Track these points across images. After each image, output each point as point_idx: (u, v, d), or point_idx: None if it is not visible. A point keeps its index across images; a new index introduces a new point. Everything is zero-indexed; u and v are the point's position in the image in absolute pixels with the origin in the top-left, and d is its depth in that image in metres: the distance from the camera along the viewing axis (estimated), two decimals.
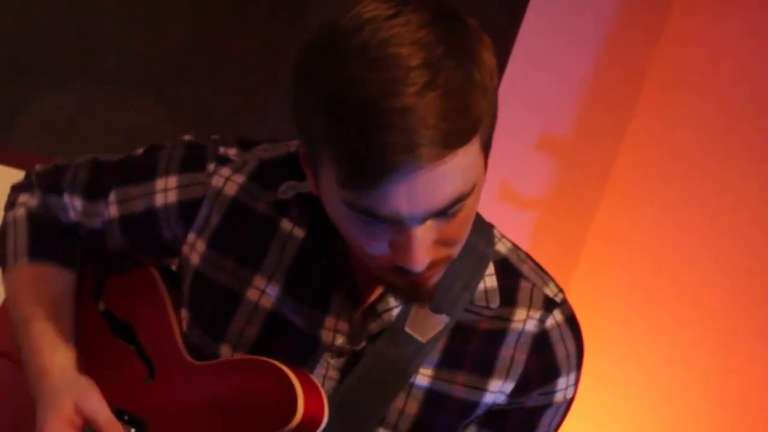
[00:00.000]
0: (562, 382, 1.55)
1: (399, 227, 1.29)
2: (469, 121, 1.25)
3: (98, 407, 1.53)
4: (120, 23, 2.61)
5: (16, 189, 1.76)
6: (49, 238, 1.68)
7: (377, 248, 1.33)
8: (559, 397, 1.56)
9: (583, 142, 3.13)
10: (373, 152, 1.21)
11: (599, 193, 3.15)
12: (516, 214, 2.69)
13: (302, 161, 1.40)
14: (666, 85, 3.09)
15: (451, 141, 1.23)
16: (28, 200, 1.72)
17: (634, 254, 3.04)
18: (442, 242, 1.33)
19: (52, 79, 2.46)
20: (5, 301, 1.77)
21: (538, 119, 3.02)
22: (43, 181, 1.71)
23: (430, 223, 1.29)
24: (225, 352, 1.54)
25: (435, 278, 1.40)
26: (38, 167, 1.74)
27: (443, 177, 1.24)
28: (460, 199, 1.28)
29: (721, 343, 2.80)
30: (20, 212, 1.70)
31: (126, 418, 1.57)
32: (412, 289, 1.40)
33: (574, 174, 3.14)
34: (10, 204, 1.74)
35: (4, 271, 1.70)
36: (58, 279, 1.66)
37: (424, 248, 1.31)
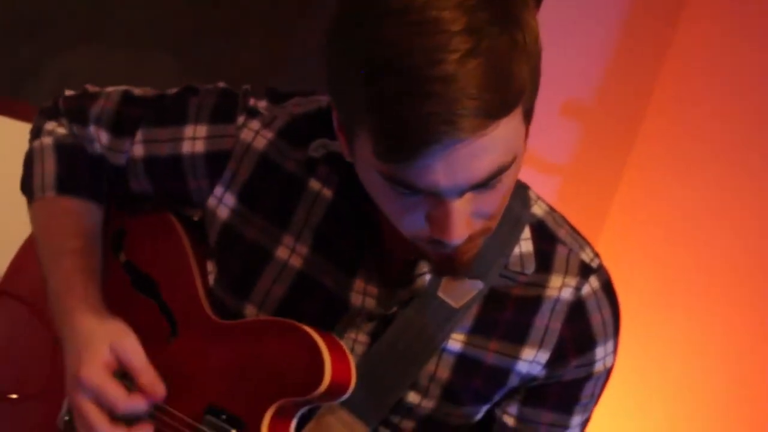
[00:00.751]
0: (599, 352, 1.51)
1: (436, 200, 1.24)
2: (511, 91, 1.19)
3: (134, 351, 1.48)
4: None
5: (43, 114, 1.69)
6: (77, 171, 1.62)
7: (413, 221, 1.29)
8: (598, 367, 1.52)
9: (607, 107, 3.09)
10: (412, 123, 1.16)
11: (623, 160, 3.11)
12: (539, 179, 2.67)
13: (336, 126, 1.34)
14: (690, 53, 3.05)
15: (493, 112, 1.18)
16: (55, 128, 1.66)
17: (658, 221, 3.01)
18: (481, 214, 1.29)
19: (68, 37, 2.42)
20: (26, 242, 1.74)
21: (563, 85, 2.98)
22: (71, 109, 1.65)
23: (468, 195, 1.24)
24: (250, 311, 1.51)
25: (472, 251, 1.35)
26: (67, 92, 1.68)
27: (484, 149, 1.19)
28: (501, 171, 1.24)
29: (743, 312, 2.77)
30: (47, 141, 1.64)
31: None
32: (448, 262, 1.36)
33: (598, 140, 3.11)
34: (36, 131, 1.68)
35: (30, 201, 1.64)
36: (87, 214, 1.61)
37: (462, 221, 1.26)
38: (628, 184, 3.11)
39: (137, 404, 1.47)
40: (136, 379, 1.48)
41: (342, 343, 1.46)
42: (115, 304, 1.60)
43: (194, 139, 1.55)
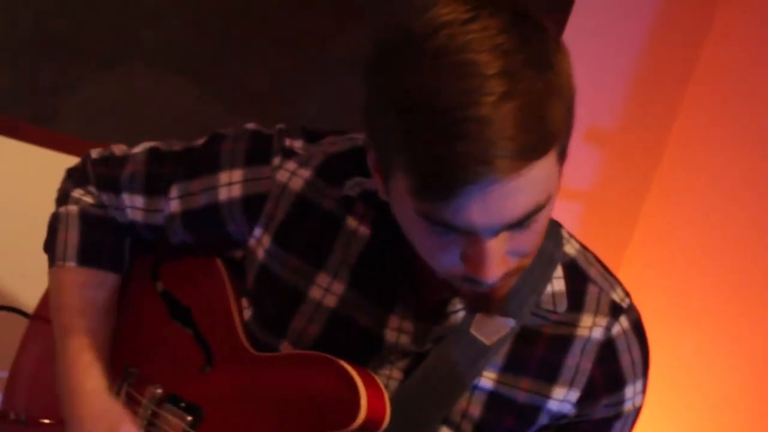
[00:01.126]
0: (629, 391, 1.52)
1: (472, 238, 1.26)
2: (546, 133, 1.21)
3: None
4: (158, 3, 2.58)
5: (71, 178, 1.71)
6: (101, 243, 1.64)
7: (448, 259, 1.30)
8: (627, 406, 1.53)
9: (629, 134, 3.10)
10: (449, 163, 1.18)
11: (646, 186, 3.12)
12: (562, 205, 2.67)
13: (372, 165, 1.36)
14: (713, 78, 3.06)
15: (529, 153, 1.19)
16: (82, 197, 1.68)
17: (681, 248, 3.01)
18: (515, 253, 1.30)
19: (91, 61, 2.43)
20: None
21: (585, 111, 2.99)
22: (100, 177, 1.67)
23: (503, 234, 1.26)
24: (285, 348, 1.52)
25: (506, 289, 1.37)
26: (94, 154, 1.70)
27: (519, 189, 1.21)
28: (536, 210, 1.25)
29: None
30: (73, 210, 1.66)
31: (182, 405, 1.55)
32: (482, 300, 1.38)
33: (620, 165, 3.11)
34: (64, 196, 1.69)
35: (50, 264, 1.67)
36: (102, 286, 1.64)
37: (497, 260, 1.27)
38: (650, 211, 3.11)
39: None
40: None
41: (378, 380, 1.47)
42: (149, 334, 1.63)
43: (230, 184, 1.56)
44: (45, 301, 1.79)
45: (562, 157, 1.28)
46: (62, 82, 2.38)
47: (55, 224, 1.68)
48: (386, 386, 1.48)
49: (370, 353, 1.50)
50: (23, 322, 1.82)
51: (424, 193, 1.22)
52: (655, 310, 2.86)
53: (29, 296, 1.82)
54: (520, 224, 1.25)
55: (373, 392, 1.44)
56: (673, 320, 2.94)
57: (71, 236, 1.64)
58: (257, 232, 1.54)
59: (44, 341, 1.76)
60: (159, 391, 1.58)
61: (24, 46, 2.32)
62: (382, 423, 1.44)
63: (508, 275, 1.33)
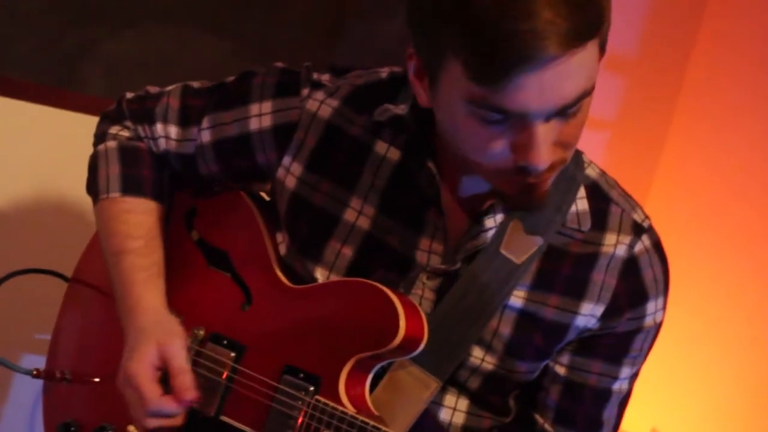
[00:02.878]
0: (650, 307, 1.55)
1: (522, 126, 1.31)
2: (597, 17, 1.28)
3: (176, 354, 1.55)
4: None
5: (106, 118, 1.75)
6: (141, 172, 1.68)
7: (498, 152, 1.34)
8: (648, 321, 1.56)
9: (650, 60, 3.08)
10: (506, 43, 1.24)
11: (670, 111, 3.11)
12: (587, 136, 2.67)
13: (414, 73, 1.41)
14: (731, 2, 3.04)
15: (581, 35, 1.26)
16: (119, 132, 1.72)
17: (708, 172, 3.01)
18: (560, 144, 1.35)
19: (111, 22, 2.44)
20: (96, 232, 1.79)
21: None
22: (135, 111, 1.72)
23: (552, 122, 1.31)
24: (321, 273, 1.56)
25: (549, 183, 1.41)
26: (129, 94, 1.75)
27: (570, 71, 1.27)
28: (585, 94, 1.31)
29: None
30: (111, 145, 1.70)
31: (225, 342, 1.59)
32: (526, 195, 1.41)
33: (643, 93, 3.10)
34: (101, 135, 1.74)
35: (95, 202, 1.71)
36: (148, 213, 1.67)
37: (548, 145, 1.32)
38: (675, 136, 3.11)
39: (167, 406, 1.53)
40: (171, 379, 1.54)
41: (413, 300, 1.51)
42: (191, 281, 1.66)
43: (260, 115, 1.61)
44: (83, 263, 1.84)
45: (602, 49, 1.33)
46: (83, 45, 2.39)
47: (95, 162, 1.72)
48: (420, 305, 1.52)
49: (402, 274, 1.54)
50: (62, 286, 1.86)
51: (480, 74, 1.28)
52: (684, 238, 2.88)
53: (67, 260, 1.85)
54: (571, 107, 1.30)
55: (411, 312, 1.47)
56: (702, 248, 2.94)
57: (112, 169, 1.68)
58: (286, 161, 1.59)
59: (84, 303, 1.82)
60: (201, 332, 1.62)
61: (43, 12, 2.33)
62: (420, 341, 1.48)
63: (552, 167, 1.37)
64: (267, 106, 1.61)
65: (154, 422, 1.54)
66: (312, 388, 1.49)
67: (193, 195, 1.73)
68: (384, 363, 1.51)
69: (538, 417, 1.61)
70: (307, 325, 1.53)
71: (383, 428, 1.42)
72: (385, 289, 1.47)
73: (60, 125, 2.31)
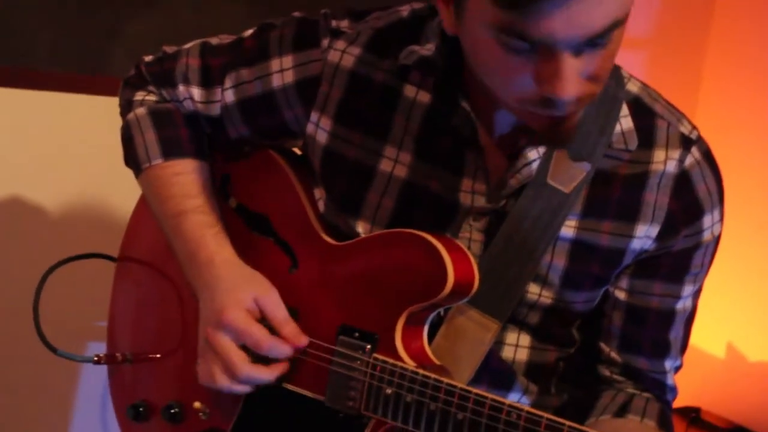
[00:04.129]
0: (707, 221, 1.50)
1: (549, 55, 1.25)
2: None
3: (277, 305, 1.52)
4: None
5: (128, 85, 1.72)
6: (177, 133, 1.64)
7: (523, 83, 1.29)
8: (706, 235, 1.51)
9: None
10: None
11: (707, 24, 3.04)
12: (626, 56, 2.63)
13: None
14: None
15: None
16: (145, 97, 1.68)
17: (753, 82, 2.94)
18: (589, 75, 1.29)
19: (132, 2, 2.42)
20: (136, 208, 1.77)
21: None
22: (156, 74, 1.68)
23: (580, 54, 1.26)
24: (363, 227, 1.53)
25: (577, 117, 1.36)
26: (147, 58, 1.71)
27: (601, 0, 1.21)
28: (615, 25, 1.25)
29: None
30: (141, 111, 1.67)
31: None
32: (554, 129, 1.36)
33: (679, 8, 3.03)
34: (127, 104, 1.70)
35: (137, 174, 1.67)
36: (197, 172, 1.63)
37: (574, 77, 1.27)
38: (716, 47, 3.04)
39: (282, 347, 1.50)
40: (279, 330, 1.50)
41: (459, 243, 1.47)
42: (235, 249, 1.62)
43: (282, 71, 1.56)
44: (127, 241, 1.82)
45: None
46: (105, 28, 2.38)
47: (128, 133, 1.68)
48: (470, 248, 1.49)
49: (447, 219, 1.50)
50: (111, 268, 1.84)
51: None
52: (733, 149, 2.81)
53: (111, 243, 1.84)
54: (600, 38, 1.24)
55: (458, 256, 1.44)
56: (752, 159, 2.89)
57: (149, 136, 1.64)
58: (314, 116, 1.55)
59: (134, 281, 1.80)
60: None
61: (60, 0, 2.32)
62: (472, 285, 1.44)
63: (580, 101, 1.31)
64: (288, 60, 1.56)
65: (253, 370, 1.49)
66: (369, 347, 1.46)
67: (225, 161, 1.69)
68: (439, 311, 1.48)
69: (603, 345, 1.57)
70: (356, 282, 1.50)
71: (445, 380, 1.39)
72: (428, 236, 1.43)
73: (91, 111, 2.29)
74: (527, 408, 1.33)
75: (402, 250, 1.46)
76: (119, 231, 1.81)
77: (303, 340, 1.50)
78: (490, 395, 1.36)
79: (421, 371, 1.41)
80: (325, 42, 1.54)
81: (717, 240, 1.55)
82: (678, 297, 1.54)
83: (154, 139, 1.64)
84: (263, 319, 1.51)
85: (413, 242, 1.44)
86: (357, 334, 1.48)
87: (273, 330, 1.51)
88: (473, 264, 1.45)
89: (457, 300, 1.46)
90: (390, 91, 1.52)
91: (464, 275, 1.43)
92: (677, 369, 1.62)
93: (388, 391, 1.43)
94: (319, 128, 1.55)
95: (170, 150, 1.63)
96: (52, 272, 1.76)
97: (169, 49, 1.69)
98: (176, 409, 1.66)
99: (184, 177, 1.62)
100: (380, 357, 1.45)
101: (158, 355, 1.71)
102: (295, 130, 1.59)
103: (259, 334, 1.48)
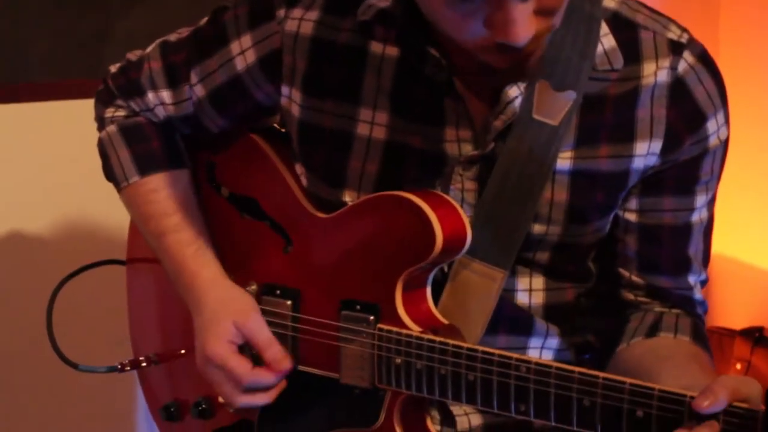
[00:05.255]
0: (711, 125, 1.43)
1: (496, 1, 1.21)
2: None
3: (258, 329, 1.50)
4: None
5: (99, 101, 1.70)
6: (150, 147, 1.62)
7: (474, 29, 1.25)
8: (713, 141, 1.44)
9: None
10: None
11: None
12: None
13: None
14: None
15: None
16: (115, 113, 1.66)
17: None
18: (542, 11, 1.24)
19: (122, 3, 2.39)
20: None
21: None
22: (122, 86, 1.65)
23: None
24: (350, 196, 1.48)
25: (539, 51, 1.32)
26: (112, 69, 1.68)
27: None
28: None
29: None
30: (112, 129, 1.65)
31: (278, 292, 1.52)
32: (520, 67, 1.33)
33: None
34: (100, 120, 1.69)
35: (119, 191, 1.66)
36: (174, 184, 1.61)
37: (525, 20, 1.22)
38: None
39: (262, 377, 1.48)
40: (262, 355, 1.49)
41: (447, 196, 1.43)
42: (230, 239, 1.61)
43: (243, 52, 1.53)
44: (132, 241, 1.79)
45: None
46: (96, 29, 2.35)
47: (103, 150, 1.67)
48: (463, 200, 1.44)
49: (436, 173, 1.45)
50: (117, 273, 1.82)
51: None
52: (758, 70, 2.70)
53: (118, 249, 1.82)
54: None
55: (445, 211, 1.38)
56: None
57: (122, 154, 1.63)
58: (285, 90, 1.51)
59: (147, 280, 1.78)
60: (254, 287, 1.56)
61: (49, 9, 2.29)
62: (464, 238, 1.39)
63: (537, 37, 1.26)
64: (246, 40, 1.52)
65: (247, 398, 1.49)
66: (372, 318, 1.42)
67: (209, 150, 1.66)
68: (442, 268, 1.43)
69: (622, 271, 1.51)
70: (348, 253, 1.46)
71: (450, 342, 1.35)
72: (409, 195, 1.38)
73: (90, 115, 2.26)
74: (535, 359, 1.29)
75: (386, 214, 1.41)
76: (123, 236, 1.79)
77: (285, 365, 1.48)
78: (497, 351, 1.31)
79: (426, 336, 1.37)
80: (281, 12, 1.49)
81: (725, 144, 1.47)
82: (692, 209, 1.47)
83: (128, 156, 1.62)
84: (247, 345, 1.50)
85: (396, 204, 1.40)
86: (359, 307, 1.43)
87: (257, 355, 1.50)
88: (463, 216, 1.40)
89: (452, 256, 1.40)
90: (355, 51, 1.46)
91: (454, 230, 1.38)
92: (703, 283, 1.56)
93: (398, 360, 1.39)
94: (292, 101, 1.51)
95: (145, 166, 1.61)
96: (62, 287, 1.75)
97: (133, 56, 1.66)
98: (204, 406, 1.64)
99: (161, 193, 1.60)
100: (385, 327, 1.41)
101: (182, 351, 1.68)
102: (270, 107, 1.56)
103: (238, 370, 1.48)
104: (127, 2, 2.39)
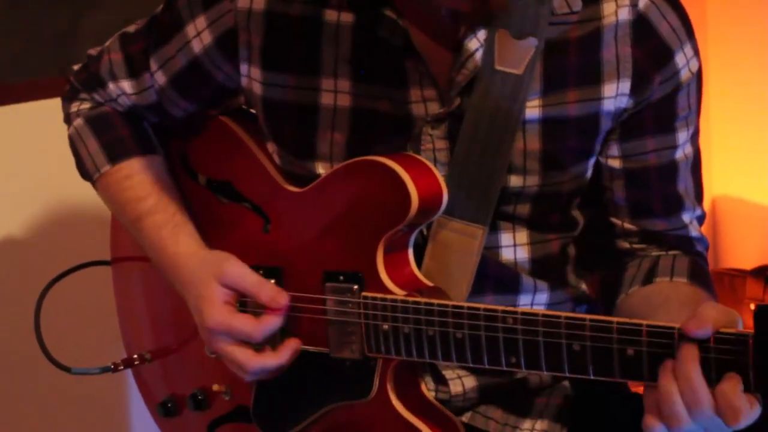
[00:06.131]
0: (680, 59, 1.41)
1: None
2: None
3: (239, 274, 1.44)
4: None
5: (64, 99, 1.69)
6: (118, 135, 1.61)
7: None
8: (684, 75, 1.42)
9: None
10: None
11: None
12: None
13: None
14: None
15: None
16: (80, 107, 1.65)
17: None
18: None
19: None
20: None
21: None
22: (84, 80, 1.65)
23: None
24: (323, 168, 1.46)
25: None
26: (75, 68, 1.68)
27: None
28: None
29: None
30: (79, 122, 1.64)
31: (261, 272, 1.49)
32: (483, 11, 1.32)
33: None
34: (66, 118, 1.68)
35: (94, 185, 1.64)
36: (147, 169, 1.59)
37: None
38: None
39: (270, 324, 1.43)
40: (257, 298, 1.44)
41: (419, 157, 1.41)
42: (212, 226, 1.59)
43: (198, 34, 1.51)
44: (115, 240, 1.78)
45: None
46: (66, 26, 2.32)
47: (73, 146, 1.65)
48: (435, 159, 1.42)
49: (405, 136, 1.43)
50: (100, 274, 1.80)
51: None
52: None
53: (102, 246, 1.80)
54: None
55: (419, 172, 1.37)
56: None
57: (91, 145, 1.61)
58: (243, 68, 1.49)
59: (133, 278, 1.76)
60: None
61: (13, 8, 2.27)
62: (440, 199, 1.38)
63: None
64: (201, 22, 1.50)
65: (262, 361, 1.44)
66: (356, 287, 1.39)
67: (180, 140, 1.64)
68: (418, 231, 1.41)
69: (614, 220, 1.50)
70: (326, 224, 1.44)
71: (435, 302, 1.33)
72: (381, 159, 1.37)
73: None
74: (522, 309, 1.27)
75: (359, 180, 1.40)
76: (105, 235, 1.78)
77: (282, 300, 1.43)
78: (482, 305, 1.30)
79: (411, 299, 1.35)
80: None
81: (699, 76, 1.45)
82: (675, 147, 1.46)
83: (97, 146, 1.61)
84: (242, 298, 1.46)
85: (368, 169, 1.38)
86: (342, 277, 1.41)
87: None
88: (437, 176, 1.38)
89: (430, 216, 1.39)
90: (310, 21, 1.44)
91: (429, 190, 1.36)
92: (700, 219, 1.54)
93: (385, 326, 1.37)
94: (252, 80, 1.49)
95: (115, 153, 1.60)
96: (48, 291, 1.72)
97: (93, 51, 1.66)
98: (201, 396, 1.62)
99: (134, 179, 1.58)
100: (369, 294, 1.38)
101: (173, 346, 1.66)
102: (233, 88, 1.54)
103: (243, 328, 1.42)
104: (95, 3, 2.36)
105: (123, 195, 1.59)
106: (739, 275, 3.26)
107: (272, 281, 1.45)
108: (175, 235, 1.54)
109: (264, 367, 1.44)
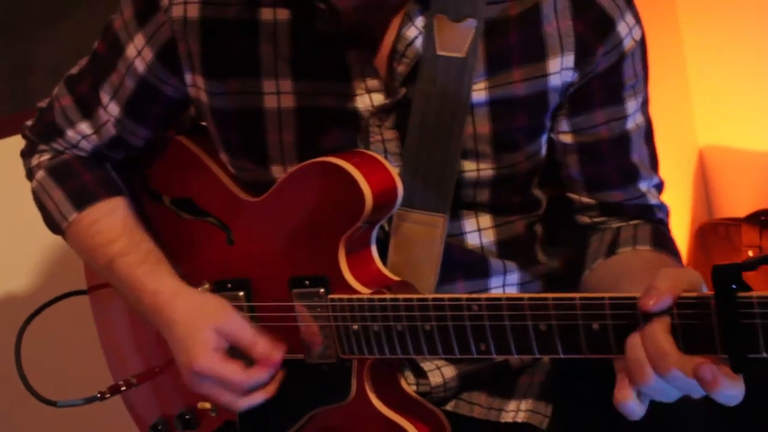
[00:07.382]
0: (622, 29, 1.39)
1: None
2: None
3: (239, 327, 1.43)
4: None
5: (23, 156, 1.68)
6: (82, 181, 1.59)
7: None
8: (628, 44, 1.40)
9: None
10: None
11: None
12: None
13: None
14: None
15: None
16: (40, 159, 1.64)
17: None
18: None
19: (35, 25, 2.33)
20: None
21: None
22: (41, 133, 1.63)
23: None
24: (277, 172, 1.45)
25: None
26: (28, 122, 1.67)
27: None
28: None
29: None
30: (40, 175, 1.62)
31: (229, 286, 1.49)
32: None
33: None
34: (29, 173, 1.66)
35: (64, 237, 1.62)
36: (114, 211, 1.57)
37: None
38: None
39: (258, 379, 1.42)
40: (250, 353, 1.42)
41: (369, 152, 1.40)
42: (177, 244, 1.58)
43: (139, 53, 1.50)
44: (89, 269, 1.76)
45: None
46: (16, 59, 2.30)
47: (38, 200, 1.64)
48: (386, 150, 1.41)
49: (354, 130, 1.42)
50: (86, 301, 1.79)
51: None
52: None
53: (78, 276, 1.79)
54: None
55: (370, 168, 1.35)
56: None
57: (56, 195, 1.59)
58: (188, 78, 1.48)
59: (112, 304, 1.74)
60: (206, 286, 1.53)
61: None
62: (395, 192, 1.37)
63: None
64: (139, 39, 1.49)
65: (247, 400, 1.43)
66: (322, 290, 1.38)
67: (139, 165, 1.64)
68: (379, 226, 1.40)
69: (572, 195, 1.49)
70: (287, 230, 1.43)
71: (401, 296, 1.31)
72: (329, 159, 1.35)
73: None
74: (485, 295, 1.26)
75: (312, 182, 1.38)
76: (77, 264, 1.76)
77: (276, 356, 1.41)
78: (447, 295, 1.28)
79: (376, 296, 1.34)
80: (165, 2, 1.45)
81: (642, 44, 1.43)
82: (625, 117, 1.44)
83: (62, 196, 1.59)
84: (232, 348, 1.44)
85: (318, 171, 1.37)
86: (307, 282, 1.40)
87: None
88: (390, 170, 1.37)
89: (387, 211, 1.38)
90: (246, 23, 1.42)
91: (382, 184, 1.35)
92: (658, 186, 1.52)
93: (355, 327, 1.36)
94: (198, 89, 1.48)
95: (80, 200, 1.58)
96: (27, 326, 1.72)
97: (43, 103, 1.65)
98: (188, 416, 1.61)
99: (102, 223, 1.56)
100: (336, 296, 1.37)
101: (157, 368, 1.65)
102: (182, 100, 1.52)
103: (234, 377, 1.41)
104: (44, 29, 2.33)
105: (93, 240, 1.57)
106: (733, 224, 3.23)
107: (267, 338, 1.43)
108: (154, 273, 1.51)
109: (253, 404, 1.44)
